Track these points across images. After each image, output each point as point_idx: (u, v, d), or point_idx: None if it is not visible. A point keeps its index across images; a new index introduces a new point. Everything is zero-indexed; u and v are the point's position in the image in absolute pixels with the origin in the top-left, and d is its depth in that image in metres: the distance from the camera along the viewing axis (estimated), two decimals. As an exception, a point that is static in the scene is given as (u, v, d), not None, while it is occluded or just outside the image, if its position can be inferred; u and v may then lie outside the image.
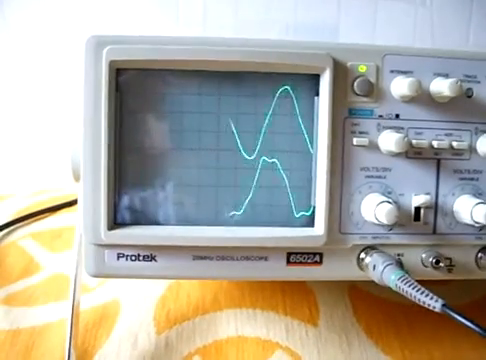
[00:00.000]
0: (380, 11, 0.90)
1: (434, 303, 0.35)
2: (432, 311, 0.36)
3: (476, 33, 0.92)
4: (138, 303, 0.55)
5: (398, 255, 0.44)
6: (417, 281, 0.38)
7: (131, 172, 0.42)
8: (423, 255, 0.44)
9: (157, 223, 0.43)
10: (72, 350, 0.46)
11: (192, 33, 0.89)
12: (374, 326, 0.52)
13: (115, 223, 0.42)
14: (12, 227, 0.72)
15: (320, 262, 0.44)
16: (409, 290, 0.37)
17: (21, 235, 0.71)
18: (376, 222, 0.42)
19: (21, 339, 0.50)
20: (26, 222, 0.75)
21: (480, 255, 0.45)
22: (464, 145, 0.43)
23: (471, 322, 0.34)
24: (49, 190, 0.86)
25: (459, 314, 0.34)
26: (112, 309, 0.54)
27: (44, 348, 0.49)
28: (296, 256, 0.44)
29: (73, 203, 0.79)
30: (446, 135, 0.43)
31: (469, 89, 0.43)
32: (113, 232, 0.41)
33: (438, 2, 0.91)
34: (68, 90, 0.88)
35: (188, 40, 0.41)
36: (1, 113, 0.94)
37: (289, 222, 0.43)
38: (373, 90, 0.42)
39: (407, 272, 0.39)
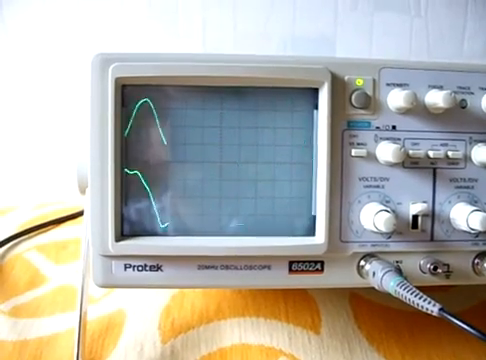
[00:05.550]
0: (376, 23, 0.91)
1: (432, 307, 0.36)
2: (432, 317, 0.37)
3: (470, 42, 0.93)
4: (143, 313, 0.55)
5: (397, 262, 0.45)
6: (416, 287, 0.38)
7: (137, 185, 0.43)
8: (421, 262, 0.45)
9: (163, 234, 0.44)
10: (80, 360, 0.47)
11: (192, 46, 0.90)
12: (375, 333, 0.53)
13: (122, 235, 0.43)
14: (17, 240, 0.73)
15: (321, 270, 0.45)
16: (408, 295, 0.38)
17: (26, 248, 0.71)
18: (375, 230, 0.42)
19: (29, 350, 0.51)
20: (30, 235, 0.75)
21: (477, 261, 0.46)
22: (459, 154, 0.44)
23: (468, 325, 0.35)
24: (52, 203, 0.87)
25: (456, 318, 0.35)
26: (118, 319, 0.55)
27: (52, 358, 0.50)
28: (298, 264, 0.45)
29: (76, 215, 0.80)
30: (442, 145, 0.44)
31: (463, 100, 0.44)
32: (120, 243, 0.42)
33: (433, 13, 0.92)
34: (71, 103, 0.89)
35: (191, 57, 0.42)
36: (5, 125, 0.95)
37: (291, 231, 0.44)
38: (370, 103, 0.43)
39: (406, 278, 0.40)
